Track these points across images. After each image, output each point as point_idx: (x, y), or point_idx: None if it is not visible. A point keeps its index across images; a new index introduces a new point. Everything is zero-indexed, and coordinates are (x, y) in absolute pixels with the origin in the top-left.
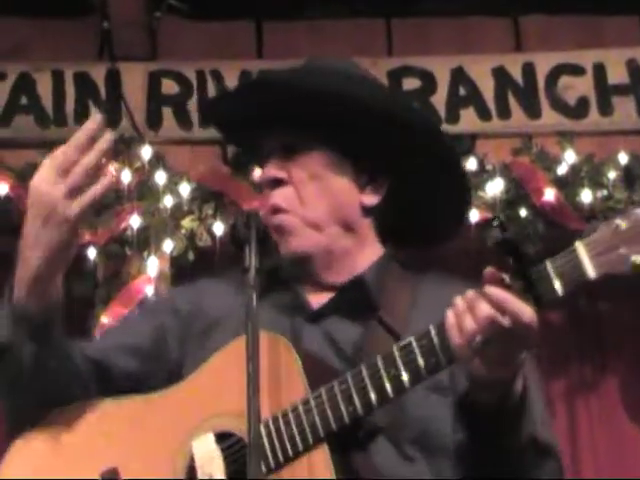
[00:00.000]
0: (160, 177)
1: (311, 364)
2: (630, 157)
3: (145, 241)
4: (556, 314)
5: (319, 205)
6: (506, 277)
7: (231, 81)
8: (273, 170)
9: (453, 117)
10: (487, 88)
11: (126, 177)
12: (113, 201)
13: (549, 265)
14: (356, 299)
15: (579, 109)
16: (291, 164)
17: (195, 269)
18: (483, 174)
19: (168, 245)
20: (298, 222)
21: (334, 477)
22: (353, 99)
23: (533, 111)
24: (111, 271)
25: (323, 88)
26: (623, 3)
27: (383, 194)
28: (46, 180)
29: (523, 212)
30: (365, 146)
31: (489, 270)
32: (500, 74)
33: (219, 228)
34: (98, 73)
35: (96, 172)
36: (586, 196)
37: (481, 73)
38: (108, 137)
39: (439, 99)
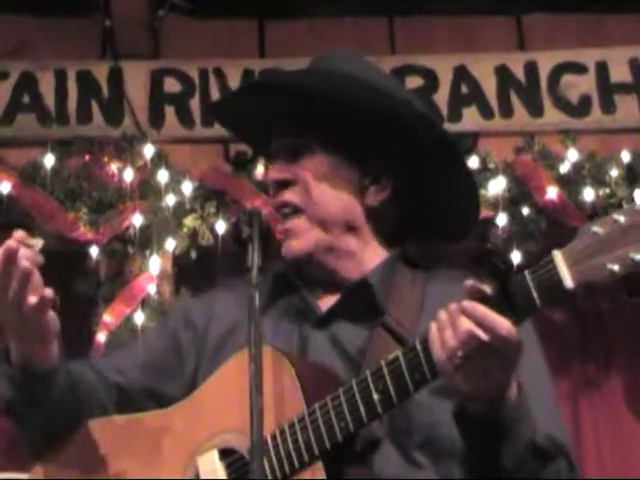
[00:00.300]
0: (162, 176)
1: (316, 376)
2: (632, 155)
3: (147, 240)
4: (560, 312)
5: (326, 204)
6: (487, 288)
7: (233, 80)
8: (278, 172)
9: (455, 115)
10: (489, 87)
11: (128, 176)
12: (115, 200)
13: (528, 276)
14: (362, 302)
15: (582, 107)
16: (296, 166)
17: (197, 267)
18: (485, 172)
19: (170, 243)
20: (306, 223)
21: None
22: (355, 103)
23: (535, 109)
24: (113, 270)
25: (326, 93)
26: (626, 1)
27: (387, 195)
28: None
29: (525, 210)
30: (368, 148)
31: (469, 283)
32: (502, 73)
33: (221, 226)
34: (100, 72)
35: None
36: (588, 194)
37: (484, 72)
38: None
39: (442, 98)
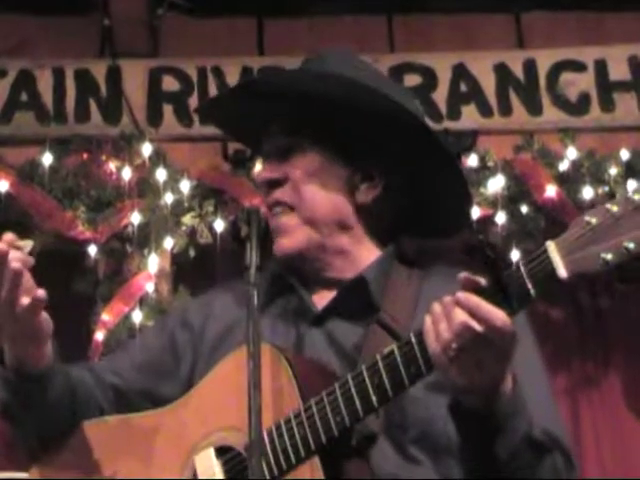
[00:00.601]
0: (160, 174)
1: (312, 372)
2: (631, 153)
3: (146, 238)
4: (558, 309)
5: (316, 203)
6: (482, 280)
7: (232, 78)
8: (269, 172)
9: (454, 114)
10: (488, 85)
11: (126, 174)
12: (114, 198)
13: (522, 267)
14: (357, 300)
15: (580, 105)
16: (286, 165)
17: (196, 266)
18: (484, 171)
19: (169, 242)
20: (297, 221)
21: None
22: (347, 103)
23: (534, 108)
24: (112, 268)
25: (318, 93)
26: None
27: (379, 193)
28: None
29: (524, 209)
30: (360, 147)
31: (464, 275)
32: (501, 70)
33: (220, 225)
34: (99, 70)
35: None
36: (587, 192)
37: (482, 70)
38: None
39: (440, 96)
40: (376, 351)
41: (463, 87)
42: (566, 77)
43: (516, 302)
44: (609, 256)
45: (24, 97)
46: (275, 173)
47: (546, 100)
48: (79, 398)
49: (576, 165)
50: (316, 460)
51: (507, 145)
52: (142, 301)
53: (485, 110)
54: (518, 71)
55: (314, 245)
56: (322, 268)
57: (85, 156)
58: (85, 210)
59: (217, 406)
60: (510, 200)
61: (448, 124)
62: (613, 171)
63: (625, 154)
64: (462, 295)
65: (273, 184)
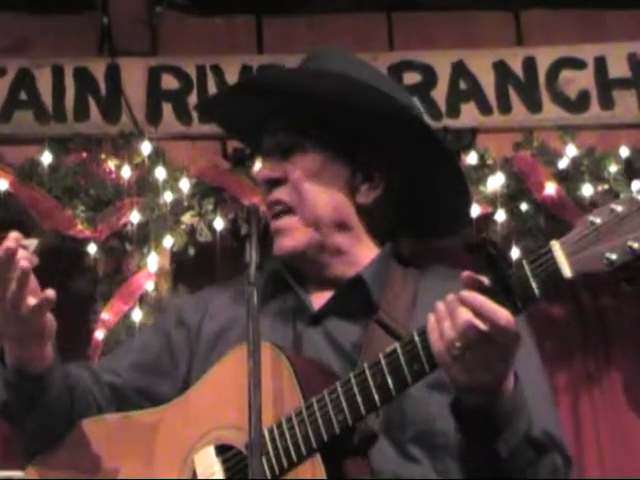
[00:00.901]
0: (160, 172)
1: (313, 371)
2: (631, 151)
3: (145, 237)
4: (560, 307)
5: (317, 203)
6: (485, 280)
7: (231, 76)
8: (269, 171)
9: (454, 111)
10: (488, 82)
11: (126, 173)
12: (113, 197)
13: (526, 266)
14: (355, 299)
15: (580, 103)
16: (287, 164)
17: (195, 264)
18: (484, 168)
19: (168, 241)
20: (297, 221)
21: None
22: (346, 101)
23: (534, 105)
24: (111, 267)
25: (317, 91)
26: None
27: (380, 193)
28: None
29: (524, 206)
30: (360, 146)
31: (467, 274)
32: (501, 68)
33: (219, 223)
34: (98, 68)
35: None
36: (587, 190)
37: (482, 67)
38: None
39: (440, 93)
40: (376, 350)
41: (462, 85)
42: (566, 75)
43: (520, 301)
44: (614, 256)
45: (23, 96)
46: (275, 172)
47: (546, 98)
48: (78, 397)
49: (576, 163)
50: (318, 458)
51: (507, 143)
52: (142, 300)
53: (484, 108)
54: (518, 69)
55: (315, 246)
56: (322, 268)
57: (84, 155)
58: (84, 209)
59: (217, 404)
60: (510, 198)
61: (447, 122)
62: (613, 169)
63: (625, 151)
64: (466, 293)
65: (273, 183)
